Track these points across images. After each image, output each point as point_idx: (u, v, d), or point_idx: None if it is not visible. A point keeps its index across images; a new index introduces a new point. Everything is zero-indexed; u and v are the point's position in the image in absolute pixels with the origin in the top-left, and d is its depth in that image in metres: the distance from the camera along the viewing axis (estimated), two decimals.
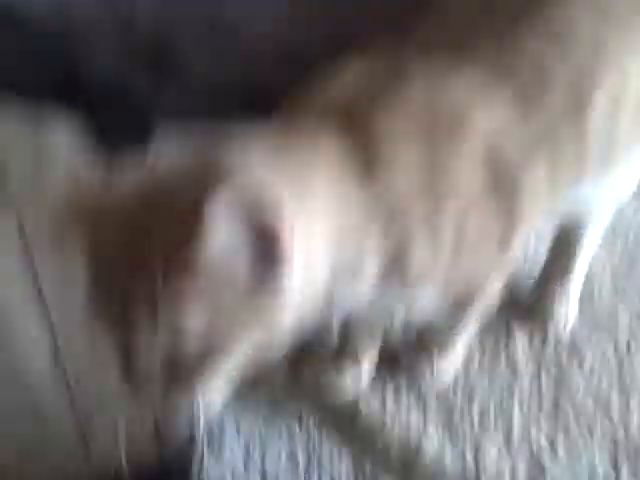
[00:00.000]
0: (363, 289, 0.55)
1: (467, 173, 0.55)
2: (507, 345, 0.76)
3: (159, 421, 1.31)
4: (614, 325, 0.78)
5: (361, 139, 0.52)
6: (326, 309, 0.54)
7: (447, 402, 0.72)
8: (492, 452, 0.69)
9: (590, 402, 0.72)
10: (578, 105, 0.58)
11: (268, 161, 0.48)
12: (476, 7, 0.60)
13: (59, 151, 0.96)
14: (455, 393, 0.73)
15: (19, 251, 1.04)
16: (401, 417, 0.71)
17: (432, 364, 0.72)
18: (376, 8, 0.68)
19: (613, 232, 0.86)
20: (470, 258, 0.58)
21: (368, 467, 1.12)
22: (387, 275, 0.55)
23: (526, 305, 0.79)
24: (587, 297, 0.81)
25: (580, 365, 0.75)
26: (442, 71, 0.55)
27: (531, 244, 0.84)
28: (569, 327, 0.78)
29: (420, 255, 0.55)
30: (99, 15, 0.64)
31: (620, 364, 0.75)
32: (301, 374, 0.75)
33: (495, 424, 0.71)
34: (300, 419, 1.18)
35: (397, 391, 0.73)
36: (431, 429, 0.70)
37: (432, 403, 0.72)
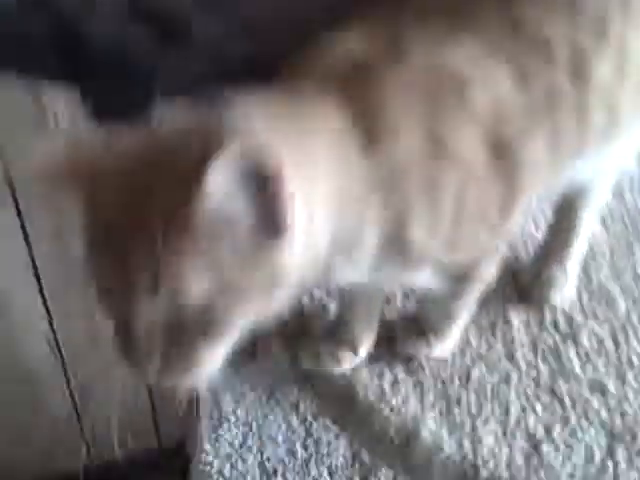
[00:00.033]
0: (362, 261, 0.55)
1: (467, 143, 0.55)
2: (504, 331, 0.76)
3: (156, 401, 1.32)
4: (611, 311, 0.78)
5: (361, 107, 0.52)
6: (325, 281, 0.55)
7: (444, 389, 0.72)
8: (489, 439, 0.69)
9: (586, 388, 0.72)
10: (579, 76, 0.58)
11: (269, 125, 0.48)
12: None
13: (59, 120, 0.96)
14: (452, 380, 0.73)
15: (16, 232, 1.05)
16: (399, 405, 0.71)
17: (429, 349, 0.72)
18: None
19: (611, 216, 0.87)
20: (470, 229, 0.58)
21: (366, 457, 1.12)
22: (386, 247, 0.55)
23: (523, 288, 0.79)
24: (584, 283, 0.81)
25: (576, 351, 0.75)
26: (440, 39, 0.55)
27: (530, 225, 0.85)
28: (566, 311, 0.78)
29: (420, 226, 0.55)
30: None
31: (617, 350, 0.75)
32: (297, 359, 0.75)
33: (492, 411, 0.71)
34: (297, 409, 1.19)
35: (394, 379, 0.73)
36: (428, 417, 0.70)
37: (429, 391, 0.72)
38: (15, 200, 1.03)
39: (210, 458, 1.13)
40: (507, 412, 0.70)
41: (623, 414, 0.70)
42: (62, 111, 0.97)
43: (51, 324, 1.20)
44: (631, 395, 0.71)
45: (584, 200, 0.77)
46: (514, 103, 0.56)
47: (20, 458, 1.34)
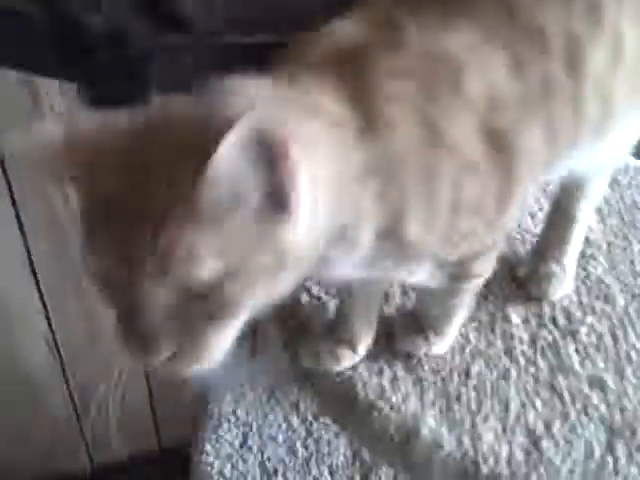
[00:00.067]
0: (358, 255, 0.55)
1: (462, 130, 0.55)
2: (503, 328, 0.76)
3: (156, 402, 1.32)
4: (609, 306, 0.79)
5: (357, 92, 0.52)
6: (321, 275, 0.54)
7: (444, 386, 0.72)
8: (489, 436, 0.69)
9: (586, 384, 0.72)
10: (573, 65, 0.58)
11: (270, 107, 0.47)
12: None
13: (55, 110, 0.96)
14: (452, 377, 0.73)
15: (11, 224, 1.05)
16: (398, 403, 0.71)
17: (428, 346, 0.73)
18: None
19: (608, 211, 0.87)
20: (467, 222, 0.58)
21: (367, 456, 1.13)
22: (383, 241, 0.55)
23: (521, 283, 0.79)
24: (582, 278, 0.81)
25: (575, 347, 0.75)
26: (436, 25, 0.55)
27: (527, 220, 0.85)
28: (565, 306, 0.78)
29: (416, 219, 0.55)
30: None
31: (615, 345, 0.75)
32: (297, 358, 0.75)
33: (492, 407, 0.71)
34: (298, 409, 1.19)
35: (394, 376, 0.73)
36: (428, 414, 0.70)
37: (429, 388, 0.72)
38: (11, 194, 1.03)
39: (211, 458, 1.14)
40: (507, 408, 0.70)
41: (622, 409, 0.70)
42: (58, 102, 0.97)
43: (50, 324, 1.20)
44: (630, 390, 0.71)
45: (581, 194, 0.77)
46: (509, 91, 0.56)
47: (20, 458, 1.34)
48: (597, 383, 0.72)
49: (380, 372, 0.73)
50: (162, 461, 1.40)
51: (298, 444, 1.15)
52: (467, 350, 0.74)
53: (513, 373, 0.73)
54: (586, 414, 0.70)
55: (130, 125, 0.47)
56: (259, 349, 1.01)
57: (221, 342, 0.49)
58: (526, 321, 0.77)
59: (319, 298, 0.78)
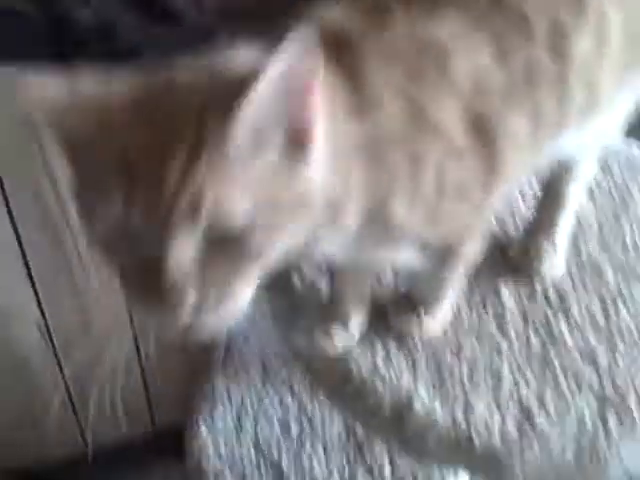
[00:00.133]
0: (344, 234, 0.55)
1: (447, 115, 0.56)
2: (495, 305, 0.77)
3: (150, 384, 1.32)
4: (600, 282, 0.79)
5: (346, 73, 0.52)
6: (310, 254, 0.55)
7: (436, 362, 0.73)
8: (482, 410, 0.70)
9: (577, 357, 0.73)
10: (558, 52, 0.58)
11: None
12: None
13: None
14: (444, 353, 0.73)
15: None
16: (392, 379, 0.72)
17: (420, 325, 0.73)
18: None
19: (599, 189, 0.87)
20: (452, 204, 0.58)
21: (360, 432, 1.14)
22: (369, 222, 0.55)
23: (512, 263, 0.80)
24: (573, 256, 0.81)
25: (567, 323, 0.76)
26: (425, 12, 0.56)
27: (518, 200, 0.85)
28: (556, 283, 0.79)
29: (401, 202, 0.55)
30: None
31: (607, 319, 0.76)
32: (290, 338, 0.75)
33: (484, 382, 0.71)
34: (291, 389, 1.20)
35: (387, 354, 0.73)
36: (421, 390, 0.71)
37: (422, 364, 0.73)
38: (2, 188, 1.02)
39: (205, 438, 1.14)
40: (499, 383, 0.71)
41: (614, 382, 0.71)
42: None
43: (42, 313, 1.20)
44: (622, 364, 0.72)
45: (571, 174, 0.77)
46: (494, 77, 0.57)
47: (15, 443, 1.34)
48: (589, 357, 0.73)
49: (373, 350, 0.73)
50: (157, 443, 1.41)
51: (292, 423, 1.16)
52: (459, 327, 0.75)
53: (505, 348, 0.73)
54: (578, 387, 0.71)
55: (140, 82, 0.47)
56: (253, 330, 1.01)
57: (245, 293, 0.49)
58: (518, 298, 0.78)
59: (312, 279, 0.78)
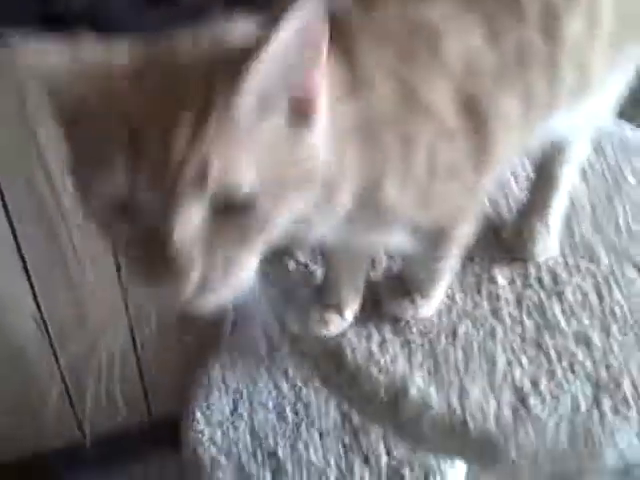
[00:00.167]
0: (336, 216, 0.55)
1: (439, 96, 0.55)
2: (489, 289, 0.77)
3: (145, 373, 1.32)
4: (594, 265, 0.79)
5: (340, 53, 0.52)
6: (303, 237, 0.54)
7: (431, 347, 0.73)
8: (477, 394, 0.70)
9: (572, 341, 0.73)
10: (550, 33, 0.58)
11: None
12: None
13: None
14: (439, 338, 0.73)
15: None
16: (387, 365, 0.72)
17: (415, 309, 0.73)
18: None
19: (592, 171, 0.87)
20: (444, 186, 0.58)
21: (356, 419, 1.14)
22: (360, 205, 0.55)
23: (506, 245, 0.80)
24: (566, 237, 0.81)
25: (561, 306, 0.76)
26: None
27: (511, 182, 0.85)
28: (550, 266, 0.79)
29: (393, 184, 0.55)
30: None
31: (601, 303, 0.76)
32: (285, 324, 0.75)
33: (479, 367, 0.71)
34: (287, 375, 1.20)
35: (382, 339, 0.73)
36: (416, 375, 0.71)
37: (417, 349, 0.73)
38: None
39: (201, 426, 1.15)
40: (494, 367, 0.71)
41: (608, 365, 0.71)
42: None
43: (37, 304, 1.20)
44: (615, 347, 0.72)
45: (564, 156, 0.77)
46: (486, 59, 0.57)
47: (12, 433, 1.34)
48: (583, 340, 0.73)
49: (368, 336, 0.73)
50: (153, 433, 1.41)
51: (288, 410, 1.16)
52: (454, 311, 0.75)
53: (499, 332, 0.73)
54: (572, 371, 0.71)
55: (141, 50, 0.47)
56: (248, 317, 1.01)
57: (251, 262, 0.48)
58: (512, 282, 0.78)
59: (306, 265, 0.78)
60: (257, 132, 0.45)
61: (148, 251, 0.45)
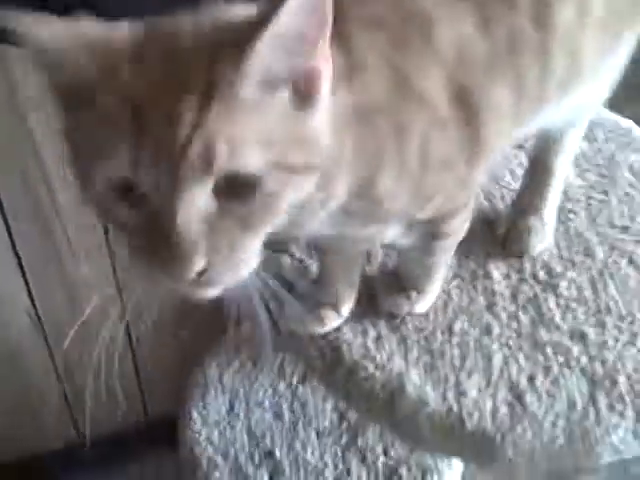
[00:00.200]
0: (330, 210, 0.55)
1: (431, 84, 0.55)
2: (484, 284, 0.77)
3: (142, 372, 1.32)
4: (589, 258, 0.79)
5: (337, 42, 0.51)
6: (295, 231, 0.54)
7: (427, 344, 0.72)
8: (473, 391, 0.69)
9: (567, 337, 0.73)
10: (541, 21, 0.58)
11: None
12: None
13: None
14: (435, 335, 0.73)
15: None
16: (383, 362, 0.71)
17: (410, 305, 0.73)
18: None
19: (586, 164, 0.87)
20: (437, 176, 0.58)
21: (353, 417, 1.14)
22: (355, 199, 0.55)
23: (501, 239, 0.80)
24: (561, 232, 0.81)
25: (556, 300, 0.75)
26: None
27: (506, 176, 0.85)
28: (545, 260, 0.79)
29: (388, 173, 0.55)
30: None
31: (596, 298, 0.76)
32: (281, 322, 0.75)
33: (475, 363, 0.71)
34: (283, 374, 1.20)
35: (378, 336, 0.73)
36: (413, 372, 0.71)
37: (413, 346, 0.72)
38: None
39: (198, 426, 1.14)
40: (490, 364, 0.71)
41: (603, 361, 0.71)
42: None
43: (32, 300, 1.19)
44: (611, 342, 0.72)
45: (558, 148, 0.77)
46: (477, 47, 0.57)
47: (7, 432, 1.34)
48: (578, 335, 0.73)
49: (364, 332, 0.73)
50: (150, 433, 1.41)
51: (285, 409, 1.16)
52: (449, 307, 0.75)
53: (495, 329, 0.73)
54: (568, 367, 0.70)
55: (141, 28, 0.46)
56: (243, 315, 1.01)
57: (254, 250, 0.48)
58: (507, 277, 0.78)
59: (301, 261, 0.78)
60: (261, 113, 0.44)
61: (151, 236, 0.44)
